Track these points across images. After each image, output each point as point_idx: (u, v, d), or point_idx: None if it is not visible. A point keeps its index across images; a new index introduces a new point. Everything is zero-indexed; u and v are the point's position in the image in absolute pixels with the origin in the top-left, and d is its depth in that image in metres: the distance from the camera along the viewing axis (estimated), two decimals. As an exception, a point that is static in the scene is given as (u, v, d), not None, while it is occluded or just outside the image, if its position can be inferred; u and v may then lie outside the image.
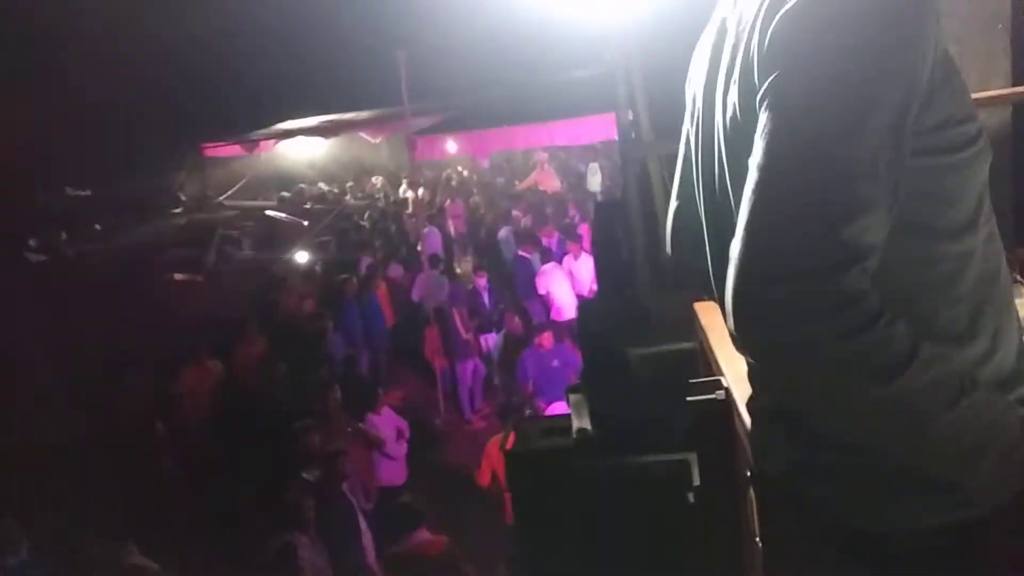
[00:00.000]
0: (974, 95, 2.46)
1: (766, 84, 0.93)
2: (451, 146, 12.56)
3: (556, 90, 11.33)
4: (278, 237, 11.25)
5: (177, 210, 14.28)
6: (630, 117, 2.85)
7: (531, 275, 9.01)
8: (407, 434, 6.43)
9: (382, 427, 6.26)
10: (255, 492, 5.49)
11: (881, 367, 0.85)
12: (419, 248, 9.28)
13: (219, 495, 5.73)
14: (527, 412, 6.31)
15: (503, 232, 10.93)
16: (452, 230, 12.03)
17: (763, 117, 0.92)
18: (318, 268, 9.97)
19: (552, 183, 13.96)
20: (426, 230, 9.83)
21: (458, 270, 9.53)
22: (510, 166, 17.15)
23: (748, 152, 0.94)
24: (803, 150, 0.89)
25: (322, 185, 16.08)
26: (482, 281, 8.99)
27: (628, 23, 2.71)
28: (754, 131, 0.94)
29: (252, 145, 14.37)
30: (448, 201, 13.62)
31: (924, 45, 0.92)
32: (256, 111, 14.84)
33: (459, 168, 16.86)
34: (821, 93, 0.90)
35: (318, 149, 15.07)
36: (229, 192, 15.45)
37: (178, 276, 10.30)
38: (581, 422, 2.26)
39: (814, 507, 1.06)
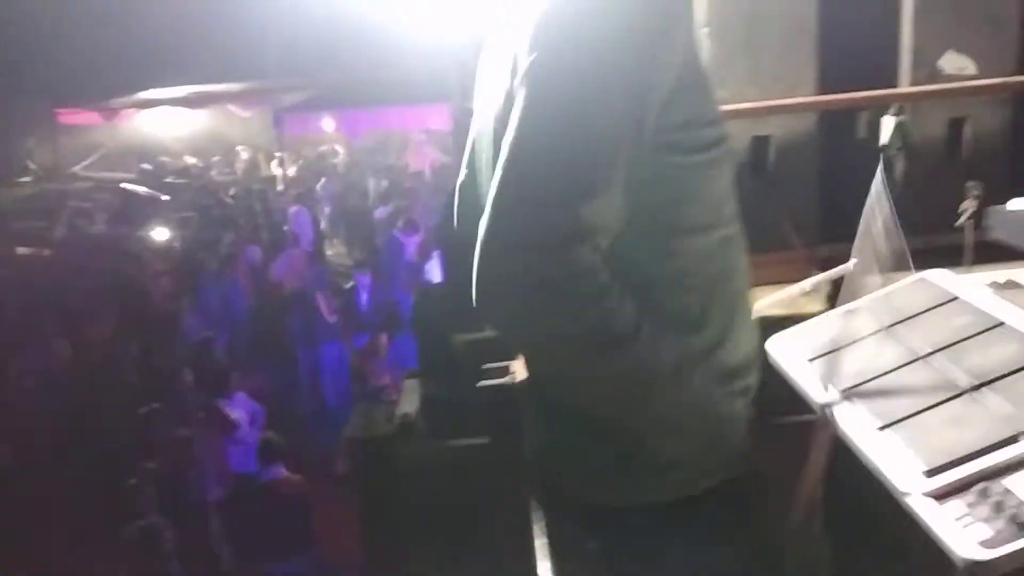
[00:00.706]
0: (783, 101, 2.62)
1: (525, 66, 0.98)
2: (323, 123, 12.29)
3: (431, 71, 11.24)
4: (134, 211, 10.69)
5: (25, 179, 13.36)
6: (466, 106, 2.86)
7: (404, 257, 8.89)
8: (262, 420, 6.28)
9: (236, 412, 6.08)
10: (98, 480, 5.27)
11: (608, 338, 0.93)
12: (286, 228, 9.04)
13: (60, 483, 5.46)
14: (392, 399, 6.26)
15: (380, 212, 10.75)
16: (323, 210, 11.77)
17: (518, 96, 0.97)
18: (176, 245, 9.56)
19: (427, 165, 13.88)
20: (294, 209, 9.58)
21: (328, 252, 9.33)
22: (385, 146, 16.90)
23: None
24: (549, 130, 0.94)
25: (187, 159, 15.38)
26: (364, 279, 8.53)
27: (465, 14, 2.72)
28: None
29: (111, 113, 13.62)
30: (322, 180, 13.32)
31: (671, 44, 0.99)
32: (117, 77, 14.01)
33: (334, 146, 16.50)
34: (569, 77, 0.95)
35: (185, 121, 14.42)
36: (84, 162, 14.56)
37: (22, 249, 9.65)
38: (407, 407, 2.29)
39: (560, 484, 1.14)
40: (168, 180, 13.10)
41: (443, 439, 2.09)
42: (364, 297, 8.51)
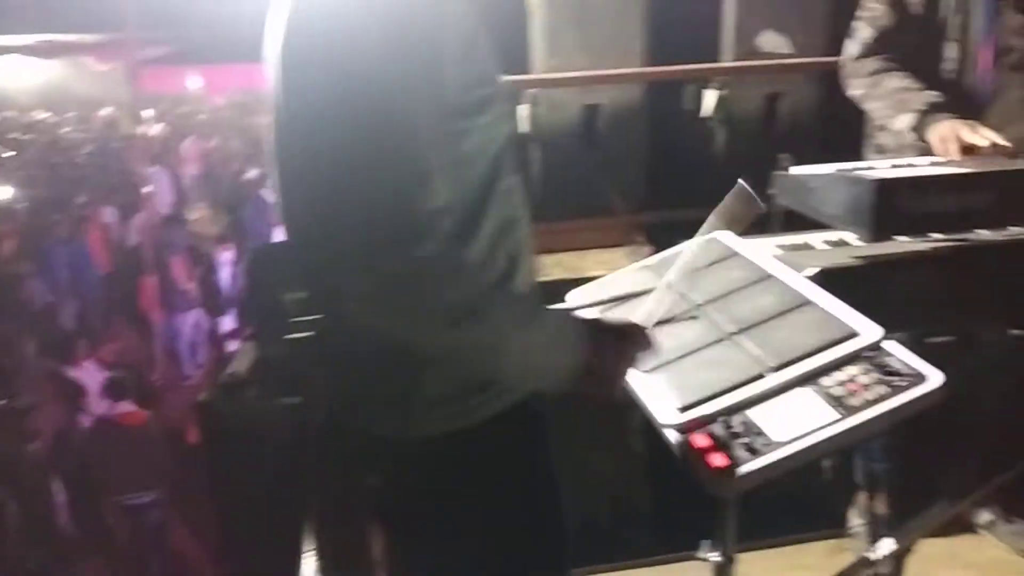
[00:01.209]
0: (612, 71, 2.72)
1: (313, 51, 0.99)
2: (187, 80, 11.75)
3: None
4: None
5: None
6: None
7: (271, 219, 8.56)
8: (115, 390, 6.04)
9: (85, 381, 5.83)
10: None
11: (467, 309, 1.01)
12: (144, 190, 8.61)
13: None
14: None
15: (248, 174, 10.36)
16: (187, 172, 11.27)
17: (319, 83, 0.98)
18: (22, 206, 8.97)
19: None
20: (153, 170, 9.14)
21: (191, 217, 8.94)
22: (253, 106, 16.23)
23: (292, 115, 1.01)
24: (368, 125, 0.96)
25: (36, 113, 14.38)
26: (227, 254, 8.08)
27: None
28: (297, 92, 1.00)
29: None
30: (188, 140, 12.71)
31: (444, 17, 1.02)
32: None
33: (199, 105, 15.76)
34: (368, 78, 0.96)
35: (35, 72, 13.46)
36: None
37: None
38: (238, 367, 2.28)
39: (348, 422, 1.20)
40: (13, 136, 12.23)
41: (269, 398, 2.11)
42: (229, 262, 8.24)
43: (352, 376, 1.17)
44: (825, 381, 1.17)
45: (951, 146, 1.85)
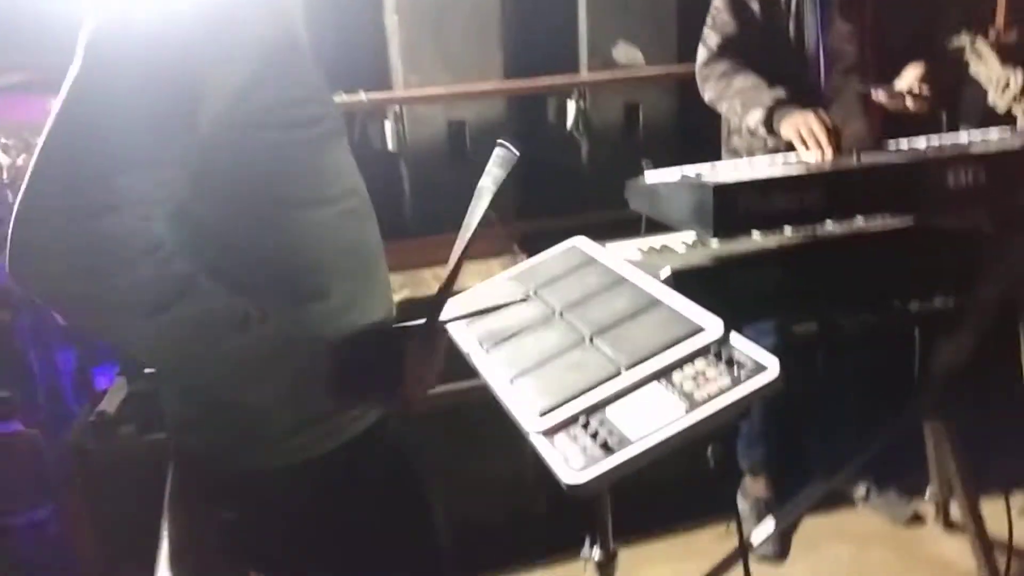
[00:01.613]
0: (472, 87, 2.75)
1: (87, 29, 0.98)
2: (49, 107, 11.14)
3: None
4: None
5: None
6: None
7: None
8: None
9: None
10: None
11: (148, 302, 0.95)
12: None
13: None
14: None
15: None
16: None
17: (73, 65, 0.97)
18: None
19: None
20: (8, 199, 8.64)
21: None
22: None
23: None
24: (88, 99, 0.95)
25: None
26: None
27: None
28: None
29: None
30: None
31: (234, 38, 1.00)
32: None
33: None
34: (117, 62, 0.95)
35: None
36: None
37: None
38: (106, 405, 2.19)
39: (191, 456, 1.18)
40: None
41: (142, 433, 2.04)
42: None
43: (196, 409, 1.15)
44: (676, 376, 1.23)
45: (811, 133, 1.97)
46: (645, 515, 2.75)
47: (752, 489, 2.82)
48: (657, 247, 1.80)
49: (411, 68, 2.67)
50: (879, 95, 2.14)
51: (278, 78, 1.04)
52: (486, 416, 1.37)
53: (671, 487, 2.81)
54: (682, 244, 1.80)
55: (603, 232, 1.84)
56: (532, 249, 2.09)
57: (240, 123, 1.02)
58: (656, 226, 2.24)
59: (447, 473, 2.67)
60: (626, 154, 2.91)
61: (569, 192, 2.99)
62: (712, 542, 2.65)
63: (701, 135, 2.58)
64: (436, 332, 1.20)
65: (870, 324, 2.69)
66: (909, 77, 2.14)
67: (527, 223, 2.78)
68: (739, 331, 1.26)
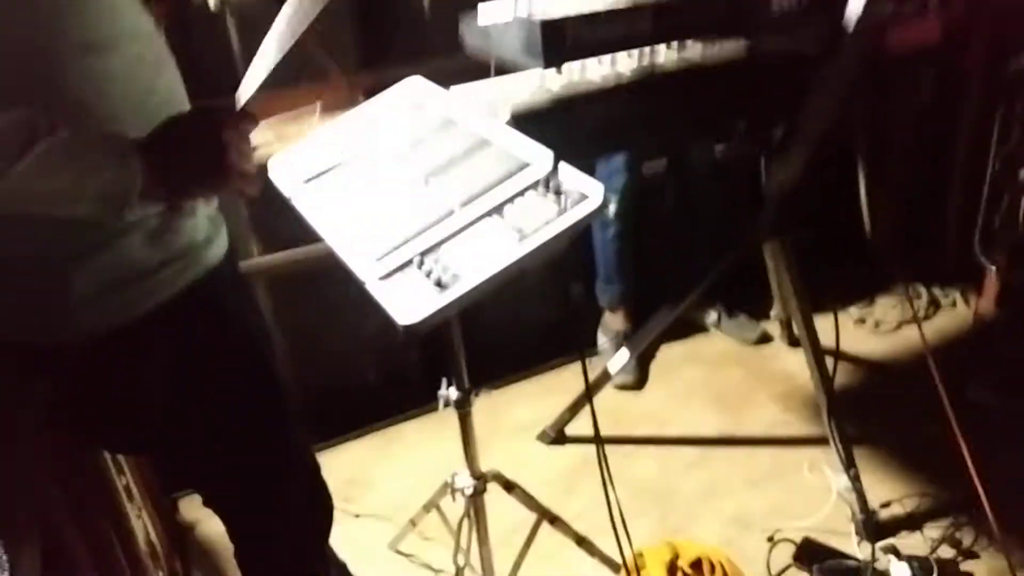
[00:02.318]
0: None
1: None
2: None
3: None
4: None
5: None
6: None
7: None
8: None
9: None
10: None
11: None
12: None
13: None
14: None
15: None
16: None
17: None
18: None
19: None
20: None
21: None
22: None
23: None
24: None
25: None
26: None
27: None
28: None
29: None
30: None
31: None
32: None
33: None
34: None
35: None
36: None
37: None
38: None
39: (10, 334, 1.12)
40: None
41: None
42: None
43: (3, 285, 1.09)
44: (507, 210, 1.23)
45: None
46: (510, 358, 2.86)
47: (611, 323, 2.95)
48: (502, 88, 1.77)
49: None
50: None
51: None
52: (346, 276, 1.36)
53: (534, 330, 2.91)
54: (526, 85, 1.77)
55: (455, 77, 1.79)
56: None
57: None
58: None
59: (312, 338, 2.67)
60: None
61: (413, 37, 2.86)
62: (573, 379, 2.78)
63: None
64: (245, 114, 1.12)
65: (713, 156, 2.79)
66: None
67: (374, 75, 2.66)
68: (589, 170, 1.26)
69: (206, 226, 1.26)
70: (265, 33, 1.10)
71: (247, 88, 1.11)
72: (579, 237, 1.23)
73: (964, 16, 2.01)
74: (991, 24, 2.44)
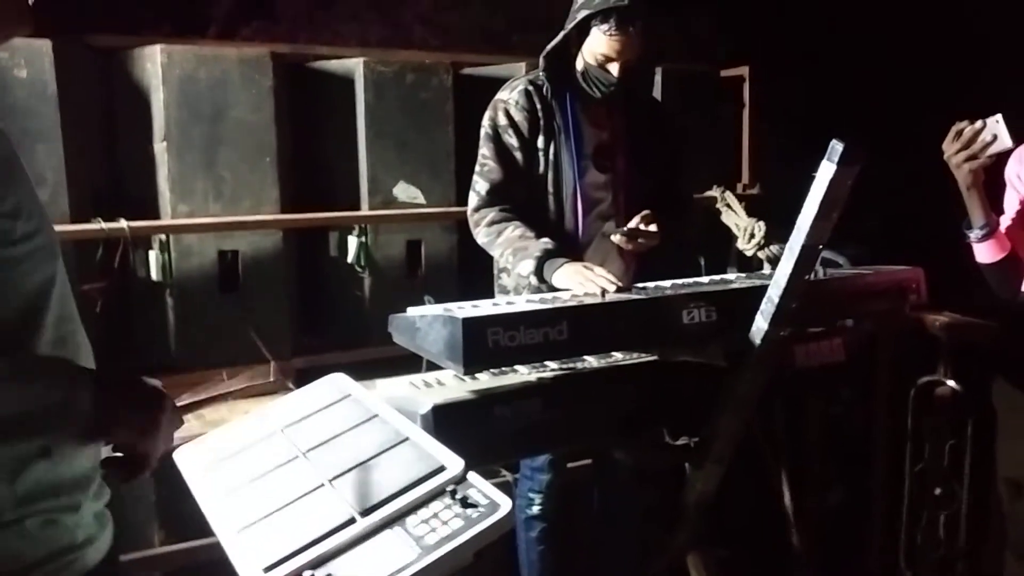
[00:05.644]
0: (248, 217, 2.70)
1: None
2: None
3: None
4: None
5: None
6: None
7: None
8: None
9: None
10: None
11: None
12: None
13: None
14: None
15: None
16: None
17: None
18: None
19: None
20: None
21: None
22: None
23: None
24: None
25: None
26: None
27: None
28: None
29: None
30: None
31: None
32: None
33: None
34: None
35: None
36: None
37: None
38: None
39: None
40: None
41: None
42: None
43: None
44: (410, 520, 1.18)
45: (587, 279, 2.06)
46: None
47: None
48: (430, 382, 1.78)
49: (181, 198, 2.58)
50: (616, 237, 2.31)
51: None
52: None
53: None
54: (453, 379, 1.79)
55: (386, 368, 1.80)
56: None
57: None
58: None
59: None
60: (409, 289, 2.92)
61: (351, 326, 2.94)
62: None
63: (484, 272, 2.65)
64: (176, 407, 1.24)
65: (638, 459, 2.78)
66: (635, 219, 2.32)
67: (306, 359, 2.70)
68: (511, 468, 1.24)
69: (90, 525, 1.19)
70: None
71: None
72: (502, 538, 1.19)
73: (869, 337, 2.15)
74: (895, 345, 2.60)
